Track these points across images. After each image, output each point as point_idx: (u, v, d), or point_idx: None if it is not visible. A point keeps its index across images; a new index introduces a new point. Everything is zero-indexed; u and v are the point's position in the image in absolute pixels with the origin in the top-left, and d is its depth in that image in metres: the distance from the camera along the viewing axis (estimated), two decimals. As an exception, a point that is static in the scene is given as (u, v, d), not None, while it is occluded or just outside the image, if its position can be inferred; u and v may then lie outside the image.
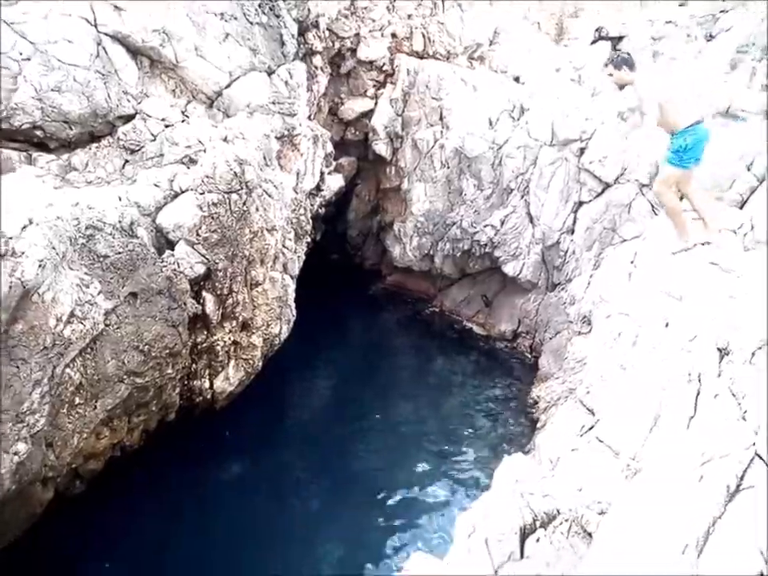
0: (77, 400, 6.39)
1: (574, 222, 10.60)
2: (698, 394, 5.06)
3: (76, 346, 6.30)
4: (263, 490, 7.08)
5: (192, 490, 7.01)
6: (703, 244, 7.12)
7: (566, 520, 4.20)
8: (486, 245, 10.98)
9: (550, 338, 10.33)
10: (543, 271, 10.93)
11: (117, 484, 6.95)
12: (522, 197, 10.84)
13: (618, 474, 4.87)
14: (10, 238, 6.01)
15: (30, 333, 5.99)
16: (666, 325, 6.70)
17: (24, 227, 6.12)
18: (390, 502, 7.52)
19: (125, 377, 6.78)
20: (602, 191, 10.41)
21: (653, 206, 9.95)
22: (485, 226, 10.97)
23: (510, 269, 10.97)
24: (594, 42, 14.16)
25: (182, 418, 7.85)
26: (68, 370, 6.25)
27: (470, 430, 8.93)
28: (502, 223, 10.91)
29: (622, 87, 6.33)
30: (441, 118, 11.41)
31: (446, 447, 8.52)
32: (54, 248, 6.23)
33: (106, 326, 6.59)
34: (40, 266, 6.07)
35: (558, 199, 10.66)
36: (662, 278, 7.60)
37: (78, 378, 6.35)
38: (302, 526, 6.94)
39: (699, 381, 5.20)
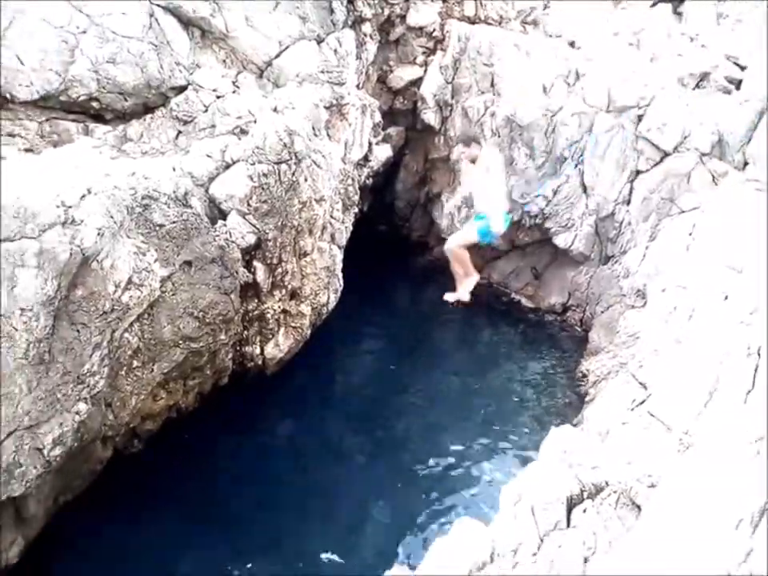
0: (135, 363, 6.64)
1: (630, 192, 10.28)
2: (757, 368, 4.89)
3: (134, 311, 6.52)
4: (309, 453, 7.25)
5: (242, 451, 7.23)
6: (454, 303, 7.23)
7: (615, 492, 4.16)
8: (536, 216, 10.77)
9: (602, 312, 10.13)
10: (596, 243, 10.67)
11: (173, 443, 7.23)
12: (576, 166, 10.56)
13: (669, 448, 4.79)
14: (70, 207, 6.23)
15: (89, 298, 6.22)
16: (726, 298, 6.49)
17: (83, 196, 6.32)
18: (434, 470, 7.57)
19: (180, 342, 7.00)
20: (661, 160, 10.04)
21: (713, 177, 9.56)
22: (536, 197, 10.74)
23: (561, 241, 10.75)
24: (653, 5, 13.55)
25: (234, 383, 8.08)
26: (126, 335, 6.49)
27: (517, 402, 8.89)
28: (555, 193, 10.66)
29: (473, 161, 6.73)
30: (492, 85, 11.13)
31: (492, 418, 8.51)
32: (111, 217, 6.42)
33: (162, 292, 6.80)
34: (99, 234, 6.27)
35: (614, 168, 10.34)
36: (722, 250, 7.34)
37: (135, 342, 6.59)
38: (346, 492, 7.08)
39: (758, 354, 5.02)
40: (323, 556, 6.30)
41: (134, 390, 6.73)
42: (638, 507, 4.10)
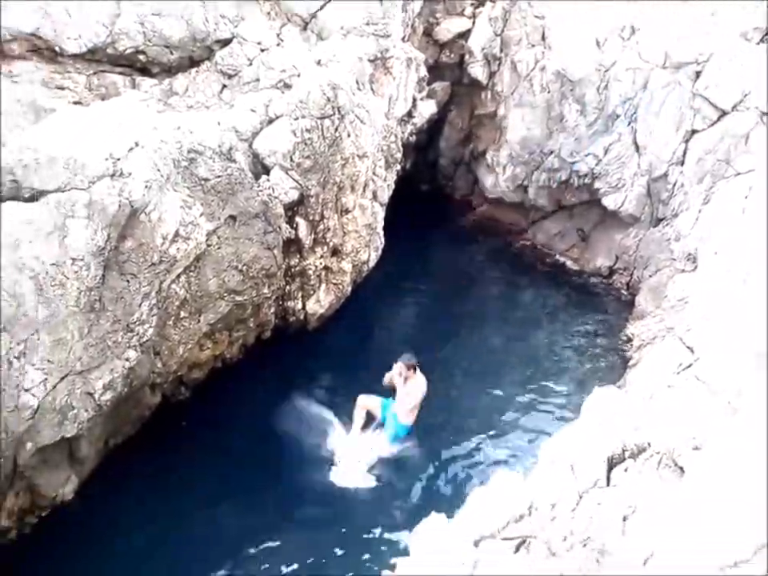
0: (182, 314, 6.82)
1: (685, 152, 9.90)
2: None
3: (181, 263, 6.66)
4: (348, 406, 7.38)
5: (283, 401, 7.41)
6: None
7: (657, 453, 4.11)
8: (585, 175, 10.47)
9: (650, 276, 9.91)
10: (647, 205, 10.36)
11: (218, 392, 7.45)
12: (629, 124, 10.18)
13: (715, 411, 4.69)
14: (118, 160, 6.33)
15: (138, 250, 6.37)
16: (782, 261, 6.23)
17: (130, 149, 6.41)
18: (473, 424, 7.67)
19: (225, 294, 7.14)
20: (718, 119, 9.60)
21: (774, 137, 9.10)
22: (586, 155, 10.43)
23: (610, 201, 10.46)
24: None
25: (276, 336, 8.26)
26: (174, 286, 6.65)
27: (558, 363, 8.85)
28: (605, 152, 10.33)
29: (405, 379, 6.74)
30: (543, 38, 10.74)
31: (533, 377, 8.51)
32: (158, 170, 6.51)
33: (208, 246, 6.92)
34: (146, 186, 6.37)
35: (669, 127, 9.94)
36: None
37: (183, 294, 6.75)
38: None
39: (816, 320, 4.83)
40: (350, 495, 6.55)
41: (182, 340, 6.93)
42: (681, 469, 4.05)
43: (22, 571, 5.76)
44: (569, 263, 11.20)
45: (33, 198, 5.77)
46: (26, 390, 5.63)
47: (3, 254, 5.58)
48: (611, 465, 4.05)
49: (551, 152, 10.74)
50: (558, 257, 11.30)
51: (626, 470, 4.02)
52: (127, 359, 6.24)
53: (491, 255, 11.24)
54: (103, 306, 6.08)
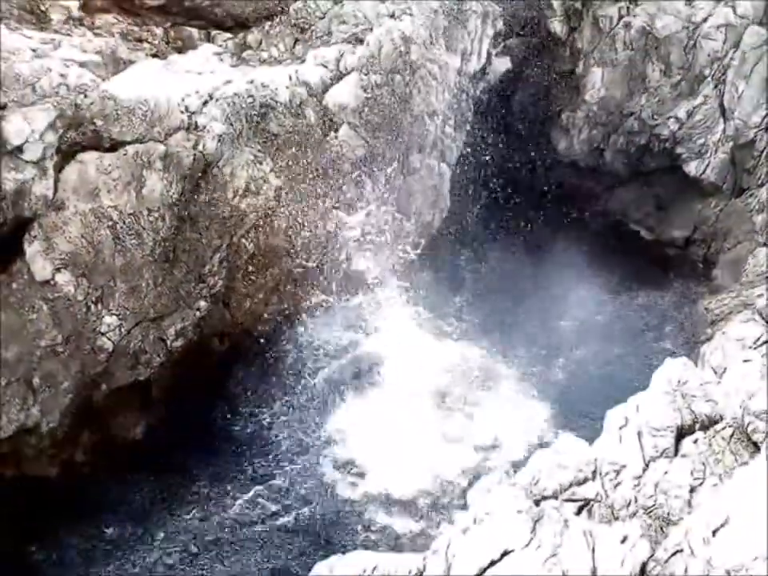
0: (250, 268, 6.98)
1: (776, 117, 9.26)
2: None
3: (250, 218, 6.80)
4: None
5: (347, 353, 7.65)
6: None
7: (729, 426, 3.95)
8: (667, 140, 9.94)
9: (729, 248, 9.42)
10: (730, 173, 9.78)
11: (284, 343, 7.64)
12: (716, 86, 9.57)
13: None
14: (193, 113, 6.45)
15: (210, 203, 6.53)
16: None
17: (205, 102, 6.52)
18: (540, 386, 7.66)
19: (291, 251, 7.24)
20: (817, 81, 8.90)
21: None
22: (668, 118, 9.88)
23: (692, 168, 9.92)
24: None
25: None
26: (243, 240, 6.81)
27: (629, 333, 8.63)
28: (689, 116, 9.76)
29: None
30: (628, -7, 10.18)
31: (602, 346, 8.35)
32: (231, 124, 6.61)
33: (277, 202, 7.01)
34: (219, 140, 6.49)
35: (760, 90, 9.31)
36: None
37: (251, 248, 6.91)
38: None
39: None
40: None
41: (249, 293, 7.11)
42: (755, 445, 3.88)
43: (95, 502, 6.12)
44: (643, 232, 10.74)
45: (112, 149, 5.96)
46: (102, 334, 5.93)
47: (83, 203, 5.82)
48: (680, 435, 3.93)
49: (631, 114, 10.22)
50: (631, 225, 10.84)
51: (695, 441, 3.89)
52: (198, 309, 6.46)
53: (560, 222, 10.89)
54: (177, 257, 6.29)
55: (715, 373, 5.34)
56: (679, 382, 4.51)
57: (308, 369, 7.55)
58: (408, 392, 7.28)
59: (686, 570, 3.04)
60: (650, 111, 10.00)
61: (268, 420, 7.01)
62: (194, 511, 6.24)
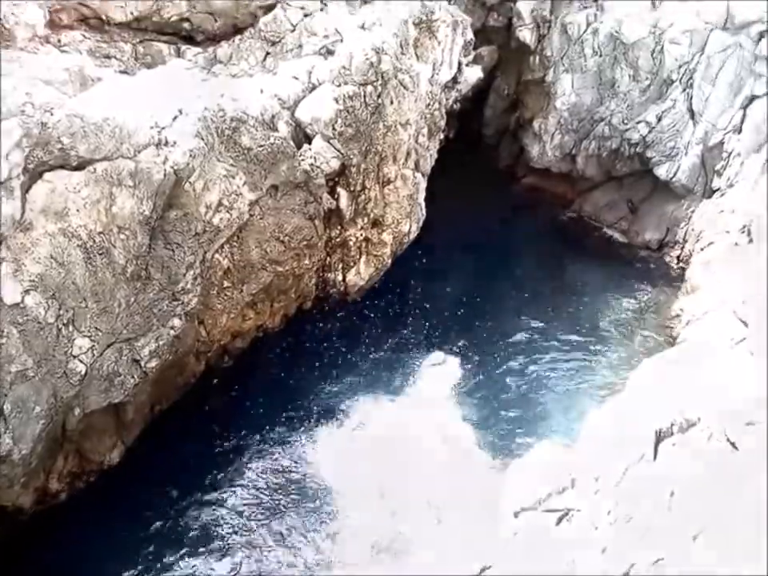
0: (225, 283, 6.90)
1: (743, 119, 9.45)
2: None
3: (224, 233, 6.72)
4: (383, 377, 7.47)
5: (324, 369, 7.57)
6: None
7: (708, 427, 3.96)
8: (637, 144, 10.07)
9: (702, 249, 9.53)
10: (701, 175, 9.94)
11: (260, 361, 7.60)
12: (684, 90, 9.73)
13: (772, 388, 4.48)
14: (163, 128, 6.36)
15: (183, 219, 6.43)
16: None
17: (175, 118, 6.43)
18: (515, 395, 7.64)
19: (267, 264, 7.20)
20: (781, 83, 9.09)
21: None
22: (638, 123, 10.02)
23: (663, 171, 10.05)
24: None
25: (317, 307, 8.32)
26: (217, 256, 6.72)
27: (605, 337, 8.64)
28: (659, 119, 9.90)
29: None
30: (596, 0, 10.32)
31: (578, 351, 8.37)
32: (202, 138, 6.53)
33: (251, 216, 6.95)
34: (190, 155, 6.40)
35: (727, 93, 9.50)
36: None
37: (226, 263, 6.83)
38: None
39: None
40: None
41: (225, 309, 7.02)
42: (733, 445, 3.89)
43: (72, 532, 5.96)
44: (617, 236, 10.85)
45: (81, 167, 5.85)
46: (74, 357, 5.78)
47: (51, 223, 5.70)
48: (659, 439, 3.93)
49: (602, 119, 10.35)
50: (605, 229, 10.95)
51: (674, 445, 3.90)
52: (172, 327, 6.35)
53: (535, 227, 10.96)
54: (149, 275, 6.18)
55: (693, 373, 5.37)
56: (656, 384, 4.53)
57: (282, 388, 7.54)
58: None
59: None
60: (620, 116, 10.13)
61: (244, 436, 6.91)
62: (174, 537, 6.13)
